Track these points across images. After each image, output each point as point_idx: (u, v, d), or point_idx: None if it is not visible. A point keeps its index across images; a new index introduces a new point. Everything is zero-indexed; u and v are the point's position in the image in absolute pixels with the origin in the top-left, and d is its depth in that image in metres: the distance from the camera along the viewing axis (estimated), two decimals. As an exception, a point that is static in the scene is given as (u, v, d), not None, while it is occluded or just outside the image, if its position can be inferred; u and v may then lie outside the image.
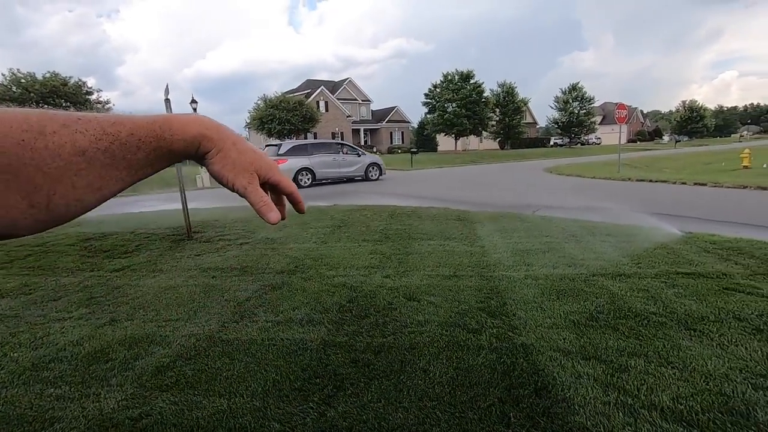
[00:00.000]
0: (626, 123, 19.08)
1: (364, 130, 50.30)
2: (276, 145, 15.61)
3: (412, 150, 27.63)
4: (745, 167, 15.64)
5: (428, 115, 43.82)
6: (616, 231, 5.81)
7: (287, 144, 15.64)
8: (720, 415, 1.92)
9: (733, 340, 2.59)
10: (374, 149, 46.95)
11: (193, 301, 3.66)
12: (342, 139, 42.38)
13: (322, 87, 43.58)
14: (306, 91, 42.81)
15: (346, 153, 16.53)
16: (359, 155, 16.96)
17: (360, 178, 16.73)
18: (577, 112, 50.78)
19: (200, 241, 6.10)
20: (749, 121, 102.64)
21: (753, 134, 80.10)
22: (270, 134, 32.72)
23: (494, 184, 14.39)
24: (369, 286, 3.82)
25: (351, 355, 2.59)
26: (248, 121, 37.79)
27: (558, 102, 52.26)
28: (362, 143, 48.47)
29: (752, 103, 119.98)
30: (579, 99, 51.01)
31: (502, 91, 47.51)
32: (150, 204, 11.49)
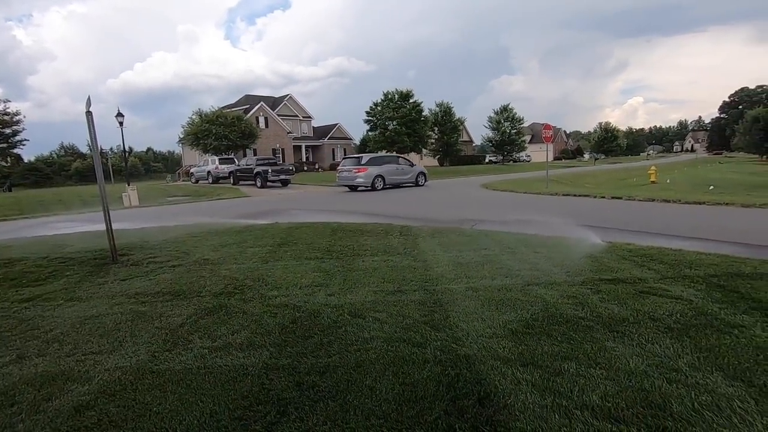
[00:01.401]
0: (552, 142, 20.71)
1: (306, 146, 49.84)
2: (357, 157, 19.52)
3: (354, 167, 27.77)
4: (653, 182, 17.53)
5: (370, 133, 44.46)
6: (547, 243, 6.21)
7: (366, 156, 19.29)
8: (642, 409, 2.09)
9: (650, 339, 2.85)
10: (316, 166, 46.61)
11: (119, 330, 3.35)
12: (282, 156, 41.66)
13: (262, 102, 42.70)
14: (245, 107, 41.69)
15: (403, 164, 20.02)
16: (412, 166, 20.58)
17: (411, 184, 19.94)
18: (508, 131, 54.22)
19: (127, 264, 5.63)
20: (653, 142, 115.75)
21: (657, 153, 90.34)
22: (205, 150, 31.31)
23: (435, 200, 14.83)
24: (313, 305, 3.74)
25: (295, 377, 2.50)
26: (181, 136, 35.94)
27: (491, 122, 55.52)
28: (304, 160, 47.94)
29: (656, 126, 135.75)
30: (510, 119, 54.57)
31: (440, 111, 49.58)
32: (66, 226, 10.46)
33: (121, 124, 23.84)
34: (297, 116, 48.88)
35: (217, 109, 33.80)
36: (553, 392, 2.26)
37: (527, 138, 62.94)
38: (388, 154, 26.99)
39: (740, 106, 75.17)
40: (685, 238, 6.57)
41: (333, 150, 51.67)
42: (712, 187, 14.43)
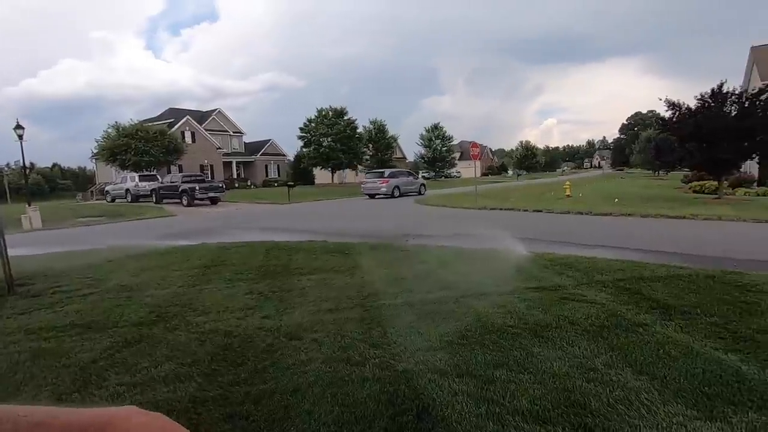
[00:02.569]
0: (479, 159, 21.95)
1: (237, 162, 47.96)
2: (381, 172, 25.05)
3: (289, 183, 27.22)
4: (568, 196, 19.18)
5: (304, 149, 43.95)
6: (478, 255, 6.52)
7: (387, 171, 25.16)
8: (565, 409, 2.25)
9: (570, 342, 3.08)
10: (249, 183, 44.98)
11: (15, 372, 2.94)
12: (211, 172, 39.69)
13: (188, 117, 40.47)
14: (168, 120, 39.22)
15: (410, 177, 26.06)
16: (416, 179, 26.82)
17: (416, 193, 24.39)
18: (439, 149, 56.57)
19: (26, 296, 4.98)
20: (567, 159, 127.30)
21: (571, 169, 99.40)
22: (124, 167, 28.86)
23: (371, 216, 14.96)
24: (246, 330, 3.57)
25: (226, 409, 2.35)
26: (96, 151, 32.88)
27: (423, 139, 57.62)
28: (235, 176, 46.05)
29: (569, 145, 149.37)
30: (441, 137, 57.02)
31: (374, 128, 50.48)
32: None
33: (20, 137, 21.26)
34: (227, 131, 47.01)
35: (137, 122, 31.46)
36: (487, 400, 2.35)
37: (457, 155, 65.99)
38: (399, 169, 31.26)
39: (636, 128, 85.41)
40: (597, 246, 7.26)
41: (266, 166, 50.24)
42: (616, 200, 16.12)
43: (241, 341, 3.32)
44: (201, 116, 45.12)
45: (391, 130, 52.36)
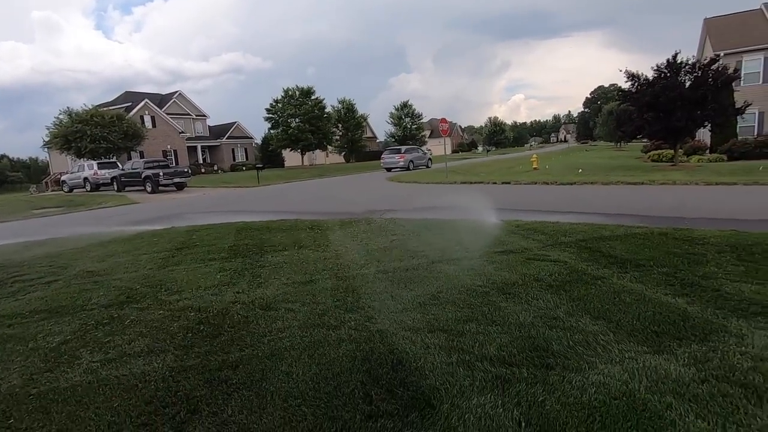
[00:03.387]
0: (449, 135, 22.14)
1: (202, 147, 46.36)
2: (398, 149, 28.17)
3: (258, 166, 26.58)
4: (535, 169, 19.69)
5: (272, 131, 42.87)
6: (448, 225, 6.67)
7: (403, 148, 28.46)
8: (529, 353, 2.41)
9: (535, 296, 3.26)
10: (215, 167, 43.69)
11: (-20, 358, 2.85)
12: (175, 158, 38.27)
13: (147, 100, 38.50)
14: (126, 105, 37.24)
15: (420, 153, 29.29)
16: (425, 154, 30.12)
17: (425, 166, 27.65)
18: (409, 126, 56.40)
19: (-16, 286, 4.77)
20: (534, 134, 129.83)
21: (538, 143, 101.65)
22: (80, 154, 27.36)
23: (343, 195, 14.92)
24: (220, 305, 3.57)
25: (204, 375, 2.39)
26: (47, 139, 30.97)
27: (393, 118, 57.22)
28: (200, 161, 44.60)
29: (536, 120, 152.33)
30: (410, 115, 56.80)
31: (343, 108, 49.69)
32: None
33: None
34: (190, 115, 45.21)
35: (91, 107, 29.74)
36: (458, 350, 2.48)
37: (427, 133, 66.07)
38: (412, 145, 34.53)
39: (598, 102, 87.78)
40: (562, 212, 7.55)
41: (233, 150, 48.84)
42: (580, 170, 16.69)
43: (216, 315, 3.33)
44: (161, 100, 43.16)
45: (361, 110, 51.76)
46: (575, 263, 4.07)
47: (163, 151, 37.25)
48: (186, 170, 22.24)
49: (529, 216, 7.14)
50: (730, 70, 15.73)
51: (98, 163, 24.43)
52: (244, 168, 42.83)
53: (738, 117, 16.43)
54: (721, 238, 4.73)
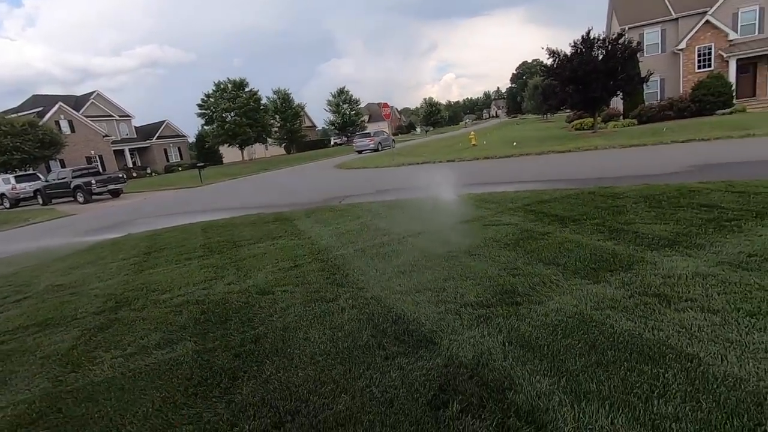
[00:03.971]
0: (390, 119, 22.64)
1: (130, 149, 43.36)
2: (368, 134, 31.81)
3: (198, 165, 25.53)
4: (474, 145, 20.83)
5: (206, 127, 41.07)
6: (408, 204, 7.19)
7: (372, 132, 32.22)
8: (501, 296, 2.96)
9: (496, 254, 3.85)
10: (148, 170, 41.13)
11: (-9, 372, 2.93)
12: (102, 163, 35.58)
13: (60, 103, 35.12)
14: (36, 110, 33.79)
15: (386, 135, 32.48)
16: (390, 137, 33.34)
17: (390, 147, 29.72)
18: (348, 113, 56.32)
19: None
20: (468, 111, 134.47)
21: (472, 121, 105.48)
22: (-11, 169, 24.70)
23: (295, 186, 14.99)
24: (216, 296, 3.82)
25: (231, 352, 2.70)
26: (-56, 155, 27.46)
27: (331, 105, 56.78)
28: (130, 165, 41.76)
29: (468, 98, 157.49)
30: (348, 101, 56.65)
31: (279, 98, 48.55)
32: None
33: None
34: (112, 116, 41.97)
35: (-6, 115, 26.77)
36: (443, 302, 2.98)
37: (366, 118, 66.27)
38: (378, 130, 36.03)
39: (524, 77, 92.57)
40: (506, 183, 8.35)
41: (165, 150, 46.15)
42: (515, 144, 17.98)
43: (217, 305, 3.59)
44: (76, 101, 39.63)
45: (296, 99, 50.78)
46: (524, 224, 4.74)
47: (86, 157, 34.49)
48: (121, 176, 20.96)
49: (479, 189, 7.85)
50: (635, 43, 17.56)
51: (15, 177, 22.25)
52: (180, 168, 40.76)
53: (644, 85, 18.44)
54: (636, 191, 5.66)
